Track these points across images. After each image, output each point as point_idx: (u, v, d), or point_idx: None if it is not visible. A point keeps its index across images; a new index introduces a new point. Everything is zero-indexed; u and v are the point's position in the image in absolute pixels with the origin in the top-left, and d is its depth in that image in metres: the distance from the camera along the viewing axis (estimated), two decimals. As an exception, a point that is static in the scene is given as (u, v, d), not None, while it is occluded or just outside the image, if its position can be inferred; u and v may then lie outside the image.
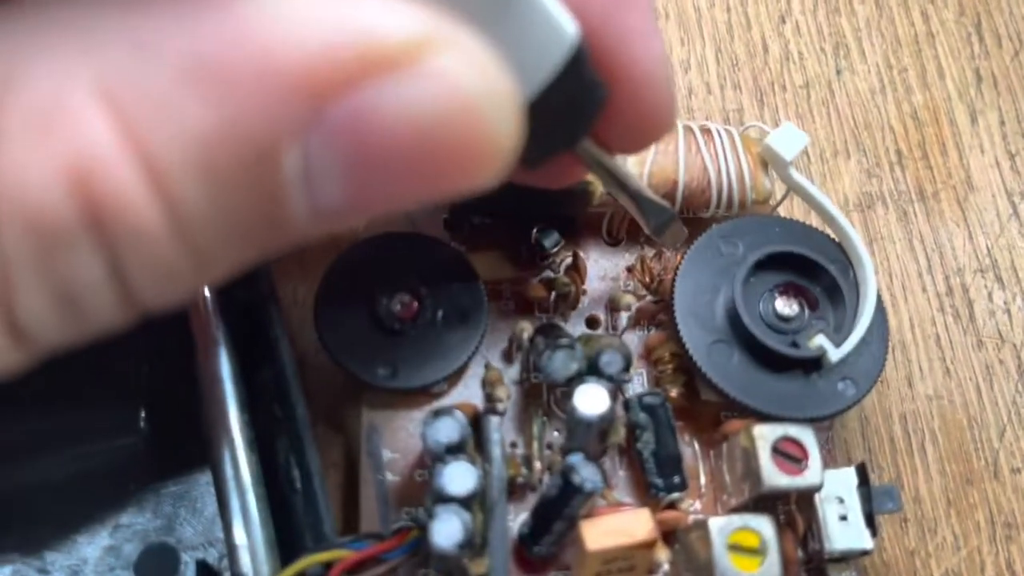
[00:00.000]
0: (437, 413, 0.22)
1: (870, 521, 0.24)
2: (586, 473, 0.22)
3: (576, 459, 0.22)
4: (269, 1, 0.11)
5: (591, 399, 0.22)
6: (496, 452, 0.23)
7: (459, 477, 0.21)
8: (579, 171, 0.22)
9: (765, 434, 0.23)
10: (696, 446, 0.26)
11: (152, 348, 0.24)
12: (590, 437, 0.23)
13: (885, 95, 0.33)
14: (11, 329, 0.11)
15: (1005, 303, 0.31)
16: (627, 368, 0.24)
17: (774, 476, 0.23)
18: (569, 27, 0.15)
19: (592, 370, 0.23)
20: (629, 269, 0.28)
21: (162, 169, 0.11)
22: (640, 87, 0.18)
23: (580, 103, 0.16)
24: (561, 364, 0.23)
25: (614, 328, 0.27)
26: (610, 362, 0.23)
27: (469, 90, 0.11)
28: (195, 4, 0.11)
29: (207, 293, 0.23)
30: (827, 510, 0.24)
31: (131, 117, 0.10)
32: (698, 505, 0.25)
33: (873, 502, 0.24)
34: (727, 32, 0.34)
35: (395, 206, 0.12)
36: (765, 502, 0.25)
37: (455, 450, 0.22)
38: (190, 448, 0.23)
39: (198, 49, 0.11)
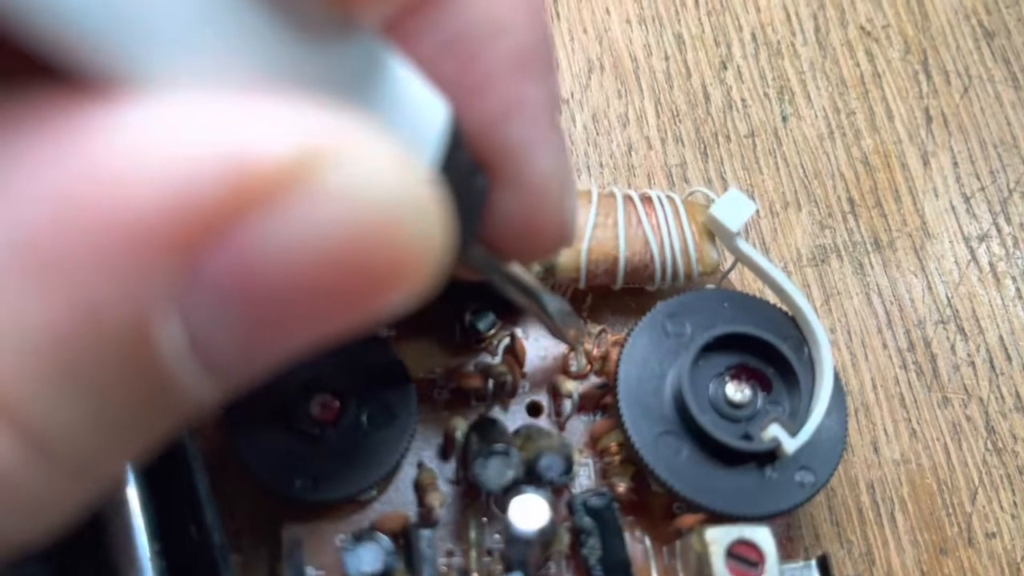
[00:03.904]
0: (358, 537, 0.20)
1: (833, 620, 0.23)
2: (525, 596, 0.20)
3: (515, 579, 0.20)
4: (114, 124, 0.08)
5: (529, 513, 0.20)
6: (429, 573, 0.21)
7: (384, 613, 0.19)
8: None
9: (718, 538, 0.22)
10: (647, 542, 0.24)
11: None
12: (531, 551, 0.21)
13: (834, 140, 0.32)
14: None
15: (969, 355, 0.30)
16: (568, 471, 0.22)
17: (730, 586, 0.21)
18: (442, 102, 0.13)
19: (530, 475, 0.22)
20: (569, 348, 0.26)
21: (5, 400, 0.08)
22: (530, 199, 0.16)
23: (463, 192, 0.14)
24: (496, 472, 0.21)
25: (558, 414, 0.25)
26: (549, 466, 0.22)
27: (376, 202, 0.09)
28: (9, 147, 0.08)
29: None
30: (787, 611, 0.23)
31: None
32: (651, 608, 0.23)
33: (836, 598, 0.23)
34: (666, 82, 0.32)
35: (314, 342, 0.10)
36: (722, 604, 0.23)
37: (380, 579, 0.20)
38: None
39: (13, 218, 0.08)
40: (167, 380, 0.09)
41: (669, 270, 0.25)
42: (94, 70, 0.09)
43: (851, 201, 0.31)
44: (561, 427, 0.25)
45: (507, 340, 0.25)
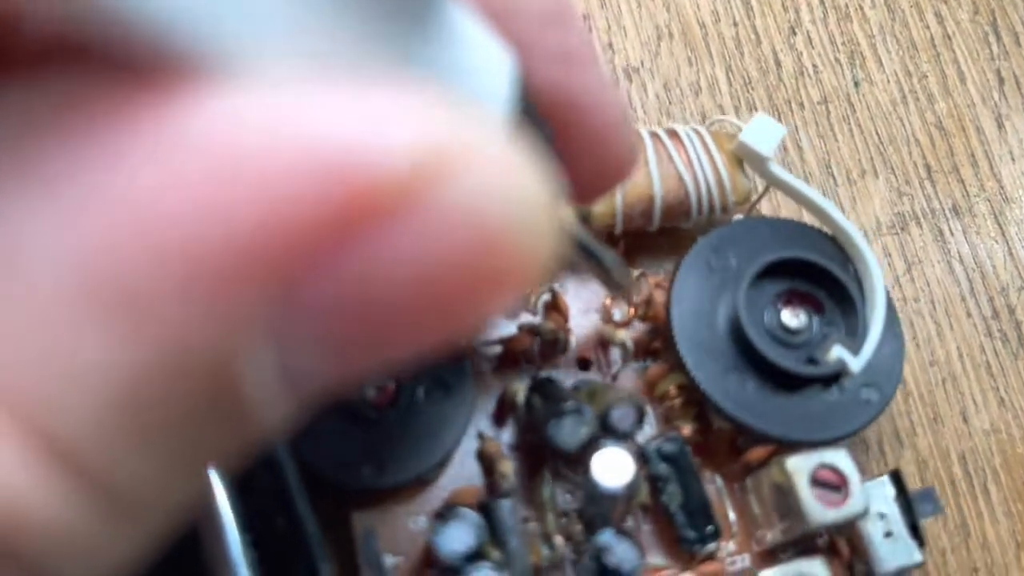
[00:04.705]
0: (443, 516, 0.20)
1: (915, 532, 0.23)
2: (621, 552, 0.20)
3: (607, 537, 0.20)
4: (192, 121, 0.07)
5: (614, 469, 0.20)
6: (515, 542, 0.20)
7: (486, 590, 0.19)
8: None
9: (800, 467, 0.21)
10: (718, 481, 0.24)
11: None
12: (614, 506, 0.21)
13: (907, 105, 0.31)
14: None
15: (1053, 321, 0.29)
16: (641, 420, 0.21)
17: (819, 513, 0.21)
18: (504, 46, 0.12)
19: (604, 429, 0.21)
20: (612, 297, 0.25)
21: (71, 449, 0.07)
22: (600, 137, 0.15)
23: (535, 143, 0.14)
24: (570, 431, 0.21)
25: (608, 366, 0.24)
26: (622, 417, 0.21)
27: (496, 213, 0.08)
28: (61, 149, 0.07)
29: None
30: (871, 530, 0.22)
31: (9, 383, 0.07)
32: (732, 546, 0.23)
33: (915, 510, 0.23)
34: (736, 48, 0.31)
35: (408, 355, 0.09)
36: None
37: (474, 557, 0.19)
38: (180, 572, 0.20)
39: (73, 236, 0.07)
40: (247, 412, 0.08)
41: (705, 204, 0.24)
42: (168, 51, 0.07)
43: (927, 167, 0.30)
44: (613, 378, 0.24)
45: (546, 296, 0.24)
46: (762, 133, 0.24)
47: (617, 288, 0.21)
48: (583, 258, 0.19)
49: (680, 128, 0.25)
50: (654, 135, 0.24)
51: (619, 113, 0.16)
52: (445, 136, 0.08)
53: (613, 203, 0.23)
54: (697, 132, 0.25)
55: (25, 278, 0.07)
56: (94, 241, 0.07)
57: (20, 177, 0.07)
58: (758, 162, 0.24)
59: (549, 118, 0.15)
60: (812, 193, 0.24)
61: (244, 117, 0.07)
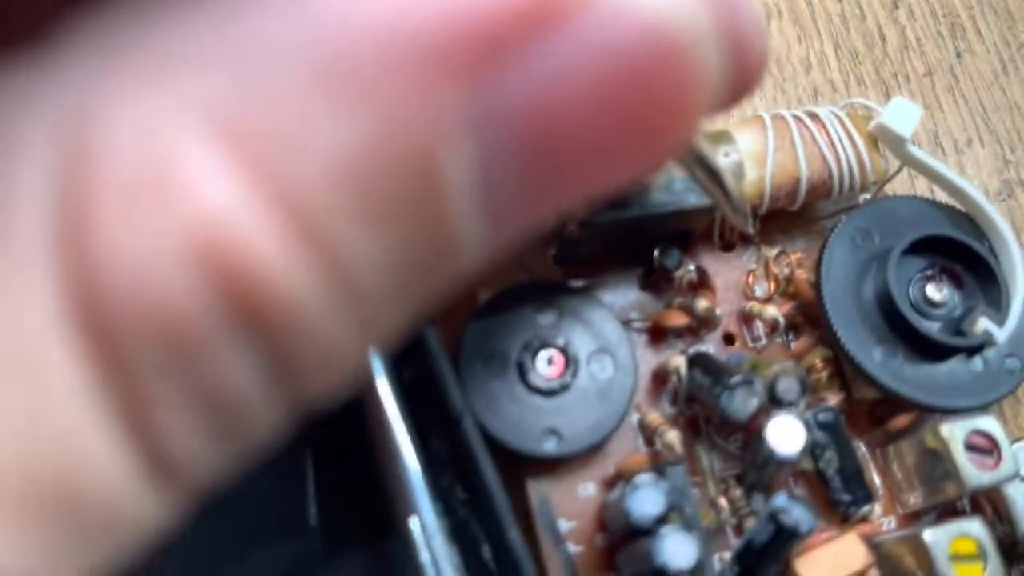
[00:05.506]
0: (629, 481, 0.21)
1: (1052, 494, 0.24)
2: (798, 514, 0.21)
3: (783, 501, 0.21)
4: None
5: (788, 436, 0.21)
6: (691, 507, 0.21)
7: (681, 549, 0.20)
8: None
9: (955, 433, 0.22)
10: (863, 448, 0.25)
11: (319, 440, 0.22)
12: (781, 472, 0.22)
13: (1008, 75, 0.32)
14: (157, 468, 0.08)
15: None
16: (804, 390, 0.22)
17: (976, 476, 0.22)
18: None
19: (770, 400, 0.22)
20: (751, 273, 0.26)
21: (313, 218, 0.08)
22: (736, 36, 0.15)
23: None
24: (741, 403, 0.22)
25: (754, 340, 0.26)
26: (788, 389, 0.22)
27: (666, 20, 0.08)
28: None
29: (378, 376, 0.20)
30: (1013, 493, 0.24)
31: (260, 155, 0.08)
32: (878, 509, 0.24)
33: (1052, 473, 0.24)
34: (842, 24, 0.32)
35: (578, 198, 0.09)
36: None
37: (663, 519, 0.20)
38: (373, 545, 0.21)
39: (316, 41, 0.08)
40: (449, 221, 0.08)
41: (847, 183, 0.25)
42: None
43: None
44: (758, 352, 0.25)
45: (690, 275, 0.25)
46: (901, 115, 0.25)
47: (735, 217, 0.21)
48: (707, 179, 0.19)
49: (820, 110, 0.26)
50: (797, 118, 0.25)
51: (755, 7, 0.16)
52: None
53: (762, 185, 0.24)
54: (836, 114, 0.26)
55: (266, 69, 0.08)
56: (323, 32, 0.08)
57: None
58: (897, 143, 0.25)
59: None
60: (948, 172, 0.25)
61: None
